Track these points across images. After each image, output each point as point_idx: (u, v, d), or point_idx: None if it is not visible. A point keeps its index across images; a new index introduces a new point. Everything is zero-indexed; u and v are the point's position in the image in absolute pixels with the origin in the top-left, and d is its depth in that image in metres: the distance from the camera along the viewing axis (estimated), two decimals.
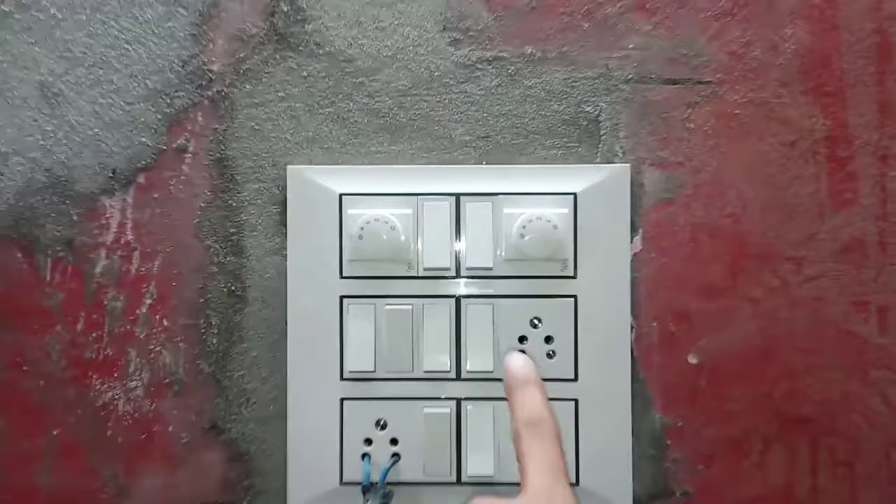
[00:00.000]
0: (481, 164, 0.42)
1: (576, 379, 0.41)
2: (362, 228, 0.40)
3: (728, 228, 0.42)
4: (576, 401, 0.41)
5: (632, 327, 0.42)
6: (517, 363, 0.38)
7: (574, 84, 0.42)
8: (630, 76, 0.42)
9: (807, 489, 0.42)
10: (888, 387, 0.42)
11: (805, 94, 0.42)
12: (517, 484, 0.40)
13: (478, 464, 0.41)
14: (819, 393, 0.42)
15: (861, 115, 0.42)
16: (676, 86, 0.42)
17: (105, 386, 0.42)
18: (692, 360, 0.42)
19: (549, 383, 0.41)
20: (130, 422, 0.42)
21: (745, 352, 0.42)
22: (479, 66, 0.42)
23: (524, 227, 0.40)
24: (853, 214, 0.42)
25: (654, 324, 0.42)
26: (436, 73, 0.42)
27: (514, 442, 0.35)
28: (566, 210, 0.41)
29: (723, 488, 0.42)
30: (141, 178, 0.42)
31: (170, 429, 0.42)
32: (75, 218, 0.42)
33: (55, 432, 0.42)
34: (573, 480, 0.41)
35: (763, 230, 0.42)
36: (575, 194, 0.41)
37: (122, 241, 0.42)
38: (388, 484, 0.41)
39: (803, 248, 0.42)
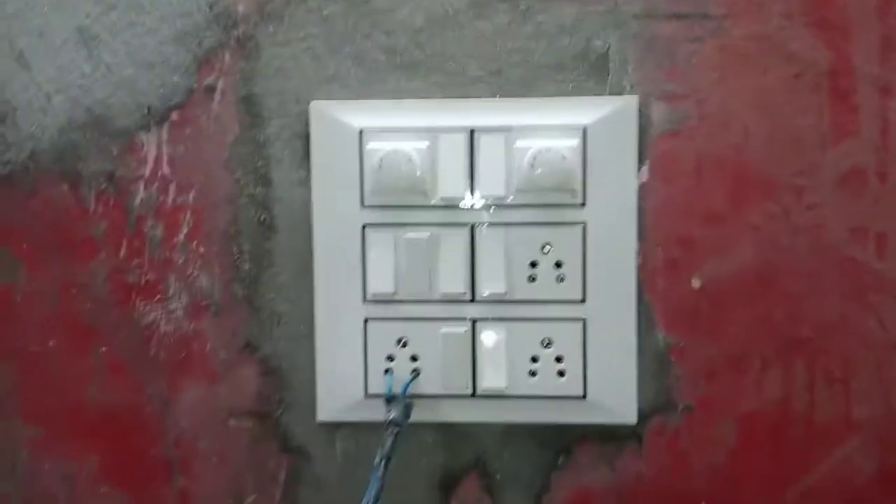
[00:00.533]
0: (494, 98, 0.44)
1: (584, 301, 0.44)
2: (381, 160, 0.43)
3: (731, 159, 0.44)
4: (584, 321, 0.44)
5: (637, 253, 0.44)
6: None
7: (583, 19, 0.44)
8: (638, 11, 0.43)
9: (804, 404, 0.45)
10: (884, 310, 0.44)
11: (809, 28, 0.43)
12: (526, 397, 0.43)
13: (491, 378, 0.44)
14: (817, 315, 0.44)
15: (864, 48, 0.43)
16: (683, 20, 0.43)
17: (147, 308, 0.46)
18: (695, 283, 0.45)
19: (558, 305, 0.44)
20: (171, 341, 0.46)
21: (746, 276, 0.44)
22: (492, 4, 0.43)
23: (535, 158, 0.43)
24: (854, 145, 0.44)
25: (659, 250, 0.44)
26: (450, 12, 0.44)
27: None
28: (576, 142, 0.43)
29: (723, 403, 0.45)
30: (174, 116, 0.45)
31: (207, 347, 0.46)
32: (115, 153, 0.45)
33: (102, 350, 0.46)
34: (581, 394, 0.44)
35: (765, 160, 0.44)
36: (584, 126, 0.43)
37: (159, 174, 0.45)
38: (409, 396, 0.44)
39: (804, 177, 0.44)
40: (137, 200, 0.45)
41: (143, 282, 0.46)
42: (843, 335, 0.44)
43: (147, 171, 0.45)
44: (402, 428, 0.43)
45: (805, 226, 0.44)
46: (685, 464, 0.45)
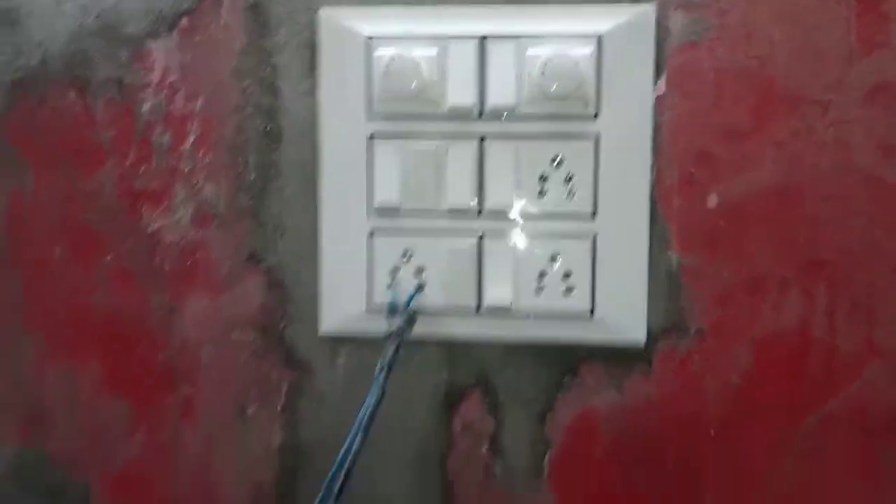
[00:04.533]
0: (506, 4, 0.42)
1: (594, 216, 0.43)
2: (388, 66, 0.42)
3: (754, 71, 0.42)
4: (594, 237, 0.43)
5: (652, 168, 0.43)
6: None
7: None
8: None
9: (823, 330, 0.43)
10: None
11: None
12: (532, 313, 0.42)
13: (496, 293, 0.43)
14: (841, 238, 0.42)
15: None
16: None
17: (153, 217, 0.46)
18: (712, 202, 0.43)
19: (567, 220, 0.43)
20: (176, 251, 0.46)
21: (766, 195, 0.43)
22: None
23: (546, 65, 0.41)
24: (883, 59, 0.42)
25: (675, 165, 0.43)
26: None
27: None
28: (590, 50, 0.42)
29: (737, 327, 0.43)
30: (184, 22, 0.45)
31: (212, 258, 0.46)
32: (124, 59, 0.45)
33: (108, 258, 0.46)
34: (589, 310, 0.43)
35: (790, 74, 0.42)
36: (600, 35, 0.42)
37: (167, 82, 0.45)
38: (413, 309, 0.43)
39: (831, 91, 0.42)
40: (145, 108, 0.45)
41: (149, 190, 0.45)
42: (868, 259, 0.42)
43: (155, 78, 0.45)
44: (405, 338, 0.42)
45: (831, 143, 0.42)
46: (696, 389, 0.44)
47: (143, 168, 0.45)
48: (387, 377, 0.41)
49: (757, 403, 0.44)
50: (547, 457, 0.45)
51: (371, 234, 0.44)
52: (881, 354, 0.42)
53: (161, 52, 0.45)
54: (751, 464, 0.44)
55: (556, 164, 0.43)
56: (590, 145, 0.42)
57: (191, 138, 0.45)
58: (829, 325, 0.43)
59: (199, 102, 0.45)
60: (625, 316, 0.43)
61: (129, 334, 0.47)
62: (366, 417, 0.40)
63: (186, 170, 0.45)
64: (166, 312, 0.46)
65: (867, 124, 0.42)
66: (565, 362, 0.45)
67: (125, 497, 0.48)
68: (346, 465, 0.40)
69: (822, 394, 0.43)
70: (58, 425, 0.48)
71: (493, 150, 0.43)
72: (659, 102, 0.43)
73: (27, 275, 0.47)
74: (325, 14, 0.44)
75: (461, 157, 0.43)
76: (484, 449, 0.46)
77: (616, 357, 0.44)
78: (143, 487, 0.48)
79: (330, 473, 0.39)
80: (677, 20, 0.42)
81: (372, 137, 0.44)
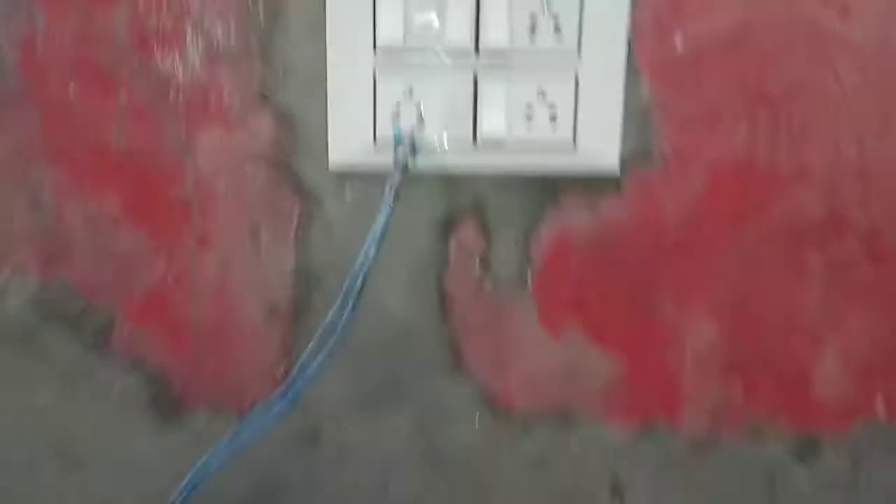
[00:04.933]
0: None
1: (579, 54, 0.48)
2: None
3: None
4: (576, 73, 0.48)
5: (630, 12, 0.48)
6: None
7: None
8: None
9: (765, 153, 0.50)
10: (842, 70, 0.49)
11: None
12: (522, 144, 0.48)
13: (491, 126, 0.48)
14: (783, 74, 0.49)
15: None
16: None
17: (165, 55, 0.48)
18: (678, 43, 0.49)
19: (554, 56, 0.48)
20: (188, 88, 0.49)
21: (723, 38, 0.49)
22: None
23: None
24: None
25: (649, 11, 0.48)
26: None
27: None
28: None
29: (695, 152, 0.50)
30: None
31: (224, 95, 0.49)
32: None
33: (122, 96, 0.49)
34: (571, 140, 0.49)
35: None
36: None
37: None
38: (415, 141, 0.48)
39: None
40: None
41: (160, 30, 0.47)
42: (805, 92, 0.49)
43: None
44: (408, 166, 0.47)
45: None
46: (658, 207, 0.51)
47: (154, 9, 0.47)
48: (395, 200, 0.46)
49: (708, 217, 0.51)
50: (530, 271, 0.52)
51: (375, 72, 0.48)
52: (811, 174, 0.50)
53: None
54: (701, 268, 0.52)
55: (544, 9, 0.47)
56: None
57: None
58: (770, 149, 0.50)
59: None
60: (602, 146, 0.50)
61: (146, 168, 0.49)
62: (378, 231, 0.45)
63: (196, 10, 0.47)
64: (181, 147, 0.49)
65: None
66: (549, 190, 0.51)
67: (147, 321, 0.52)
68: (362, 274, 0.45)
69: (760, 209, 0.51)
70: (78, 256, 0.51)
71: None
72: None
73: (45, 113, 0.48)
74: None
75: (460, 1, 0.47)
76: (476, 266, 0.52)
77: (592, 183, 0.51)
78: (164, 311, 0.52)
79: (346, 282, 0.45)
80: None
81: None
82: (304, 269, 0.51)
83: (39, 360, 0.52)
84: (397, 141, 0.48)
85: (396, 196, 0.46)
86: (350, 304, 0.45)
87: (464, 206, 0.51)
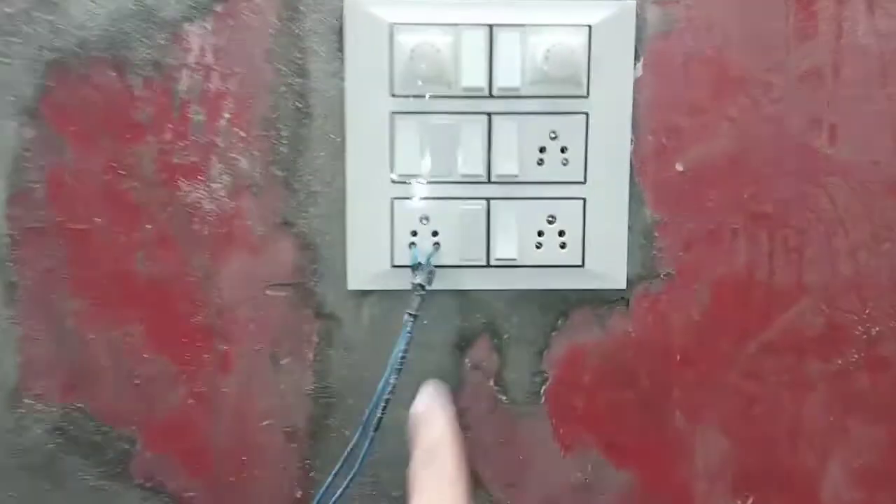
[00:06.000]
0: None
1: (585, 182, 0.51)
2: (412, 51, 0.48)
3: (713, 57, 0.51)
4: (584, 200, 0.51)
5: (632, 140, 0.51)
6: (420, 403, 0.45)
7: None
8: None
9: (765, 269, 0.53)
10: (833, 189, 0.52)
11: None
12: (533, 266, 0.50)
13: (504, 250, 0.51)
14: (778, 194, 0.52)
15: None
16: None
17: (191, 187, 0.50)
18: (679, 167, 0.52)
19: (562, 185, 0.51)
20: (214, 217, 0.50)
21: (721, 160, 0.52)
22: None
23: (548, 51, 0.49)
24: (813, 47, 0.51)
25: (650, 137, 0.51)
26: None
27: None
28: (582, 39, 0.49)
29: (698, 270, 0.52)
30: (218, 7, 0.49)
31: (248, 223, 0.51)
32: (161, 42, 0.49)
33: (149, 226, 0.50)
34: (580, 263, 0.51)
35: (741, 59, 0.51)
36: (590, 26, 0.49)
37: (203, 63, 0.49)
38: (432, 265, 0.50)
39: (772, 74, 0.51)
40: (182, 87, 0.49)
41: (187, 163, 0.50)
42: (799, 211, 0.52)
43: (191, 59, 0.49)
44: (426, 291, 0.49)
45: (772, 117, 0.51)
46: (665, 323, 0.53)
47: (180, 143, 0.49)
48: (414, 324, 0.48)
49: (712, 333, 0.53)
50: (544, 386, 0.54)
51: (392, 200, 0.50)
52: (809, 290, 0.53)
53: (196, 35, 0.49)
54: (708, 381, 0.54)
55: (552, 137, 0.50)
56: (581, 122, 0.50)
57: (225, 115, 0.49)
58: (769, 266, 0.53)
59: (234, 82, 0.49)
60: (609, 267, 0.52)
61: (169, 295, 0.51)
62: (398, 359, 0.47)
63: (222, 144, 0.50)
64: (205, 275, 0.51)
65: (799, 101, 0.51)
66: (559, 307, 0.53)
67: (167, 446, 0.52)
68: (382, 403, 0.47)
69: (762, 323, 0.53)
70: (101, 383, 0.52)
71: (500, 125, 0.50)
72: (637, 83, 0.51)
73: (70, 243, 0.50)
74: (351, 2, 0.49)
75: (472, 132, 0.50)
76: (490, 382, 0.53)
77: (601, 300, 0.53)
78: (184, 436, 0.52)
79: (367, 410, 0.46)
80: (653, 13, 0.50)
81: (393, 114, 0.49)
82: (322, 391, 0.52)
83: (59, 487, 0.52)
84: (414, 265, 0.50)
85: (416, 321, 0.47)
86: (370, 435, 0.46)
87: (478, 324, 0.52)
